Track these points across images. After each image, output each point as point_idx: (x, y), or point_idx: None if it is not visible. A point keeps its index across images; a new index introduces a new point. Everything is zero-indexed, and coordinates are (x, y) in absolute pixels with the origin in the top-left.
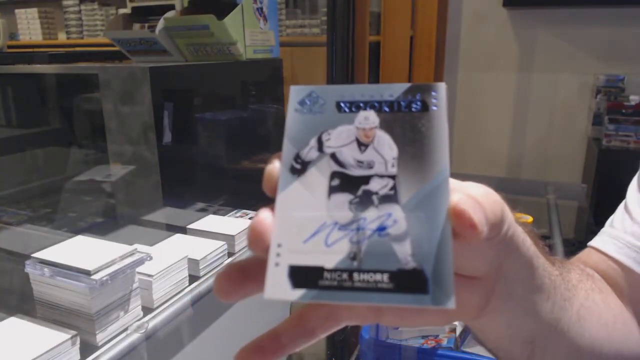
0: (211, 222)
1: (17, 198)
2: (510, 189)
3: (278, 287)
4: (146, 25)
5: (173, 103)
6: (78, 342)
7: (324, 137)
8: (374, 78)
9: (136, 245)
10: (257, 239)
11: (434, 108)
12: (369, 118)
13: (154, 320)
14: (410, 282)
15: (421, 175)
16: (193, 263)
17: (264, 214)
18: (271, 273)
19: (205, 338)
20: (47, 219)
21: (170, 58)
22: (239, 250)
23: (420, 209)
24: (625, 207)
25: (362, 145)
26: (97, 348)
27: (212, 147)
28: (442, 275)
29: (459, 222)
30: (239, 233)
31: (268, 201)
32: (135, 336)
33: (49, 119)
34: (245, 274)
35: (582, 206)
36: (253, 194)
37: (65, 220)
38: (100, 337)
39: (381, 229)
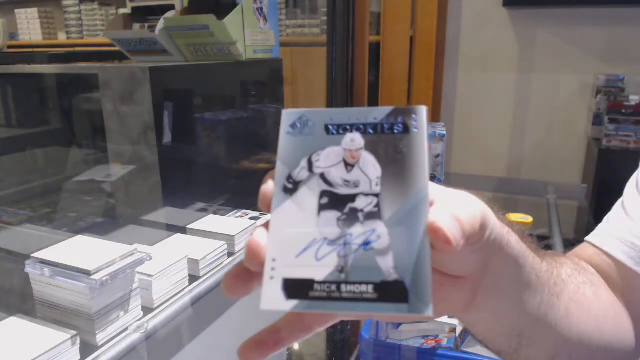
0: (211, 222)
1: (17, 198)
2: (510, 189)
3: (273, 299)
4: (146, 25)
5: (173, 103)
6: (78, 342)
7: (314, 158)
8: (374, 78)
9: (136, 245)
10: (253, 256)
11: (415, 130)
12: (355, 140)
13: (154, 320)
14: (392, 292)
15: (402, 194)
16: (193, 263)
17: (258, 233)
18: (267, 285)
19: (205, 338)
20: (47, 219)
21: (170, 58)
22: (239, 250)
23: (402, 225)
24: (622, 204)
25: (348, 166)
26: (97, 348)
27: (212, 147)
28: (421, 286)
29: (436, 238)
30: (239, 233)
31: None
32: (135, 336)
33: (49, 119)
34: (250, 274)
35: (582, 206)
36: (253, 194)
37: (65, 220)
38: (100, 337)
39: (366, 243)
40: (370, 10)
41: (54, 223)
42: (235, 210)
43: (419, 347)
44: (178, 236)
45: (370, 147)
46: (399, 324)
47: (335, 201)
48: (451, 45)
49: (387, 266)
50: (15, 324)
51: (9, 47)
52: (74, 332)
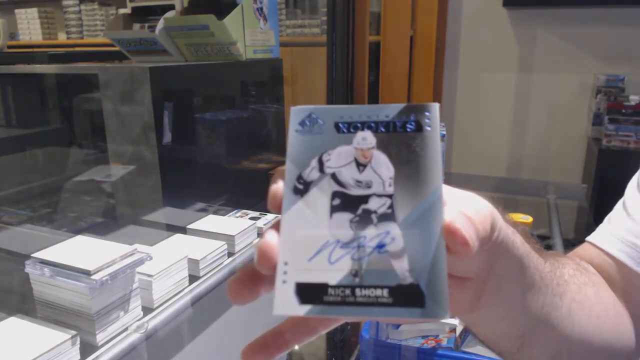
0: (211, 222)
1: (17, 198)
2: (510, 189)
3: (286, 304)
4: (146, 25)
5: (173, 103)
6: (78, 342)
7: (324, 157)
8: (374, 78)
9: (136, 245)
10: (264, 259)
11: (428, 128)
12: (367, 138)
13: (154, 320)
14: (408, 296)
15: (416, 194)
16: (193, 263)
17: (270, 235)
18: (279, 290)
19: (205, 338)
20: (47, 219)
21: (170, 58)
22: (239, 250)
23: (416, 227)
24: (623, 204)
25: (360, 166)
26: (97, 348)
27: (212, 147)
28: (437, 289)
29: (452, 239)
30: (239, 233)
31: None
32: (135, 336)
33: (49, 119)
34: (254, 279)
35: (582, 206)
36: (253, 194)
37: (65, 220)
38: (100, 337)
39: (380, 246)
40: (370, 10)
41: (54, 223)
42: (235, 210)
43: (419, 347)
44: (178, 236)
45: (382, 146)
46: (399, 324)
47: (347, 202)
48: (451, 45)
49: (402, 269)
50: (15, 324)
51: (9, 47)
52: (74, 332)
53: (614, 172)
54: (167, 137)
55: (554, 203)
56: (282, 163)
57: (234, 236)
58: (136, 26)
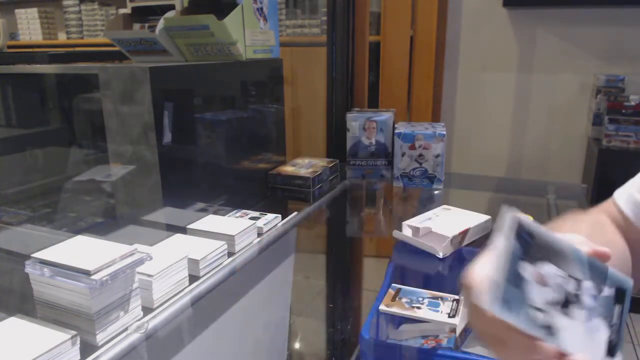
0: (211, 222)
1: (17, 198)
2: (510, 189)
3: None
4: (146, 25)
5: (173, 103)
6: (78, 342)
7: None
8: (374, 78)
9: (136, 245)
10: None
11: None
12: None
13: (154, 320)
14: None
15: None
16: (193, 263)
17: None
18: None
19: (205, 338)
20: (47, 219)
21: (170, 58)
22: (239, 250)
23: (588, 269)
24: None
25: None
26: (97, 348)
27: (212, 147)
28: (624, 282)
29: (599, 256)
30: (239, 233)
31: (267, 200)
32: (135, 336)
33: (49, 119)
34: None
35: (582, 206)
36: (253, 194)
37: (65, 220)
38: (100, 337)
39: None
40: (370, 10)
41: (54, 223)
42: (235, 210)
43: (419, 347)
44: (178, 236)
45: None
46: (399, 324)
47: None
48: (451, 45)
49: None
50: (15, 324)
51: (9, 47)
52: (74, 332)
53: (614, 172)
54: (167, 137)
55: (554, 203)
56: (282, 163)
57: (234, 236)
58: (136, 26)
